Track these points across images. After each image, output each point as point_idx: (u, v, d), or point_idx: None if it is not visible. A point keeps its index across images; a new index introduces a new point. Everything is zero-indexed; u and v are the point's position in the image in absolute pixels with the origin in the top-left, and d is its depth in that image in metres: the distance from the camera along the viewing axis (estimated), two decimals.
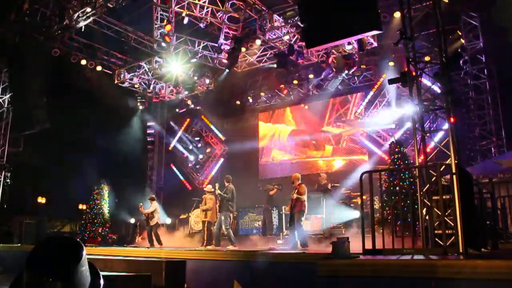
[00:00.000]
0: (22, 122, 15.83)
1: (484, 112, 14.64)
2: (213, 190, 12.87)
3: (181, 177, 21.87)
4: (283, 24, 14.36)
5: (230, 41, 15.19)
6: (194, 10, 14.02)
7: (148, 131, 21.87)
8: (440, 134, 10.26)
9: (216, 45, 15.74)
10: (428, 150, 8.84)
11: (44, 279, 1.73)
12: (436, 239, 7.22)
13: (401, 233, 8.66)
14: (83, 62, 16.23)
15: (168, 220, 17.13)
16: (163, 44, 14.77)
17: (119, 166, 17.58)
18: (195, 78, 17.50)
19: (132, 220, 16.93)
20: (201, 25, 14.38)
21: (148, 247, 13.44)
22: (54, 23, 14.31)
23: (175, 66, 16.20)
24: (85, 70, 16.49)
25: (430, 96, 9.06)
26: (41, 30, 14.48)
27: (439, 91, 9.31)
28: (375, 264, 6.50)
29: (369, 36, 14.01)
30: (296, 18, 13.64)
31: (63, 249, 1.81)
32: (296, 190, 10.88)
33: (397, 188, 9.21)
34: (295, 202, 10.76)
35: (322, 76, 16.58)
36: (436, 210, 7.29)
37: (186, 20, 13.99)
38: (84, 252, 1.83)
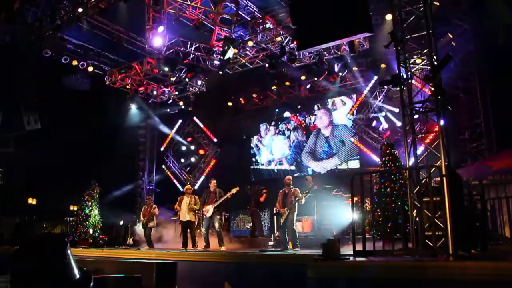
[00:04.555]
0: (12, 122, 15.72)
1: (474, 114, 14.73)
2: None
3: (173, 178, 21.82)
4: (275, 26, 14.39)
5: (222, 42, 15.19)
6: (186, 11, 14.00)
7: (140, 132, 21.82)
8: (430, 136, 10.30)
9: (208, 46, 15.73)
10: (418, 152, 8.89)
11: (29, 278, 1.73)
12: (426, 241, 7.26)
13: (391, 235, 8.70)
14: (74, 62, 16.18)
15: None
16: (155, 45, 14.75)
17: (110, 167, 17.49)
18: (187, 79, 17.47)
19: (121, 222, 16.86)
20: (193, 26, 14.35)
21: (139, 248, 13.41)
22: (45, 23, 14.23)
23: (167, 67, 16.16)
24: (76, 70, 16.43)
25: (420, 98, 9.10)
26: (32, 30, 14.39)
27: (429, 93, 9.35)
28: (365, 266, 6.53)
29: (361, 38, 14.07)
30: (288, 20, 13.67)
31: (46, 247, 1.81)
32: (293, 192, 11.00)
33: (388, 190, 9.26)
34: (292, 204, 10.87)
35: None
36: (426, 212, 7.33)
37: (177, 21, 13.96)
38: (68, 249, 1.83)
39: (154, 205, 14.16)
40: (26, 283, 1.75)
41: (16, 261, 1.78)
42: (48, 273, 1.76)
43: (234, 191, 12.11)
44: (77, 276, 1.86)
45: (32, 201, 18.86)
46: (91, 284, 1.95)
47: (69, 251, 1.85)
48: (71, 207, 18.12)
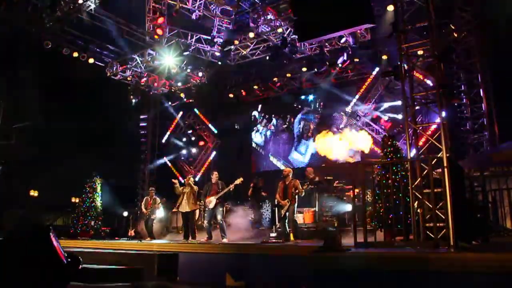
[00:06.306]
0: (13, 115, 15.70)
1: (476, 106, 14.68)
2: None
3: (174, 170, 21.82)
4: (276, 17, 14.32)
5: (223, 33, 15.13)
6: (187, 2, 13.93)
7: (141, 124, 21.79)
8: (432, 128, 10.29)
9: (209, 37, 15.67)
10: (420, 143, 8.88)
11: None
12: (428, 232, 7.27)
13: (393, 226, 8.71)
14: (75, 54, 16.12)
15: (161, 213, 17.07)
16: (156, 37, 14.69)
17: (112, 159, 17.50)
18: (188, 71, 17.43)
19: (125, 213, 16.86)
20: (194, 17, 14.29)
21: (141, 240, 13.44)
22: (45, 15, 14.17)
23: (168, 59, 16.13)
24: (77, 62, 16.37)
25: (422, 89, 9.08)
26: (32, 22, 14.34)
27: (431, 84, 9.33)
28: (366, 257, 6.54)
29: (362, 29, 14.01)
30: (289, 11, 13.60)
31: (30, 236, 1.80)
32: (293, 184, 11.03)
33: (389, 181, 9.25)
34: (293, 196, 10.91)
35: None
36: (428, 203, 7.33)
37: (178, 13, 13.89)
38: (53, 235, 1.82)
39: (158, 199, 14.18)
40: (13, 271, 1.72)
41: (1, 250, 1.76)
42: (34, 260, 1.74)
43: (238, 182, 12.06)
44: (65, 261, 1.83)
45: (33, 193, 18.88)
46: (80, 267, 1.93)
47: (53, 237, 1.82)
48: (73, 199, 18.12)
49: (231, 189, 12.06)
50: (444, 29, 13.23)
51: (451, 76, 14.76)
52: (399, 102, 15.35)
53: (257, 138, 20.78)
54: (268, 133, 20.42)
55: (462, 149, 14.26)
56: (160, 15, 13.99)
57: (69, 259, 1.89)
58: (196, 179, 19.83)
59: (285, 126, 19.94)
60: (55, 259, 1.81)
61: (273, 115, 20.45)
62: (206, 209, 12.31)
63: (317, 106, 19.01)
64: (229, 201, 14.55)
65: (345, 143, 17.22)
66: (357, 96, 17.63)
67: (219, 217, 11.89)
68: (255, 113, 20.99)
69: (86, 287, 6.91)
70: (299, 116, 19.49)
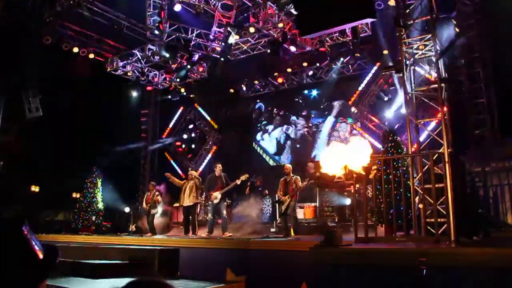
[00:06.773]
0: (14, 110, 15.69)
1: (478, 100, 14.63)
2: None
3: (174, 166, 21.82)
4: (277, 11, 14.27)
5: (223, 28, 15.08)
6: None
7: (141, 119, 21.77)
8: (433, 123, 10.25)
9: (210, 32, 15.63)
10: (421, 138, 8.86)
11: None
12: (428, 227, 7.26)
13: (393, 222, 8.70)
14: (75, 50, 16.09)
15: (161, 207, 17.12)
16: (156, 32, 14.66)
17: (112, 154, 17.50)
18: (188, 66, 17.40)
19: (127, 209, 16.89)
20: (194, 12, 14.25)
21: (142, 235, 13.45)
22: (45, 10, 14.13)
23: (168, 54, 16.08)
24: (77, 58, 16.34)
25: (423, 84, 9.04)
26: (31, 17, 14.29)
27: (433, 79, 9.28)
28: (367, 252, 6.53)
29: (363, 24, 13.95)
30: (290, 6, 13.56)
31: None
32: (294, 180, 11.05)
33: (390, 176, 9.23)
34: (293, 192, 10.94)
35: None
36: (429, 199, 7.32)
37: (178, 7, 13.86)
38: (25, 228, 1.75)
39: (157, 192, 14.18)
40: None
41: None
42: (4, 258, 1.66)
43: (243, 178, 11.95)
44: (40, 256, 1.75)
45: (34, 188, 18.88)
46: (57, 260, 1.84)
47: (27, 231, 1.74)
48: (74, 195, 18.13)
49: (237, 184, 11.98)
50: (446, 23, 13.18)
51: (452, 70, 14.69)
52: (400, 97, 15.28)
53: (268, 145, 20.57)
54: (282, 137, 20.20)
55: (464, 144, 14.21)
56: (160, 10, 13.97)
57: (45, 253, 1.79)
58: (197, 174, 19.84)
59: (306, 129, 19.51)
60: (27, 254, 1.72)
61: (288, 114, 20.15)
62: (209, 202, 12.23)
63: (323, 102, 18.87)
64: (234, 195, 14.56)
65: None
66: (357, 91, 17.57)
67: (224, 212, 11.87)
68: (260, 104, 20.90)
69: (86, 282, 6.92)
70: (330, 119, 18.82)
